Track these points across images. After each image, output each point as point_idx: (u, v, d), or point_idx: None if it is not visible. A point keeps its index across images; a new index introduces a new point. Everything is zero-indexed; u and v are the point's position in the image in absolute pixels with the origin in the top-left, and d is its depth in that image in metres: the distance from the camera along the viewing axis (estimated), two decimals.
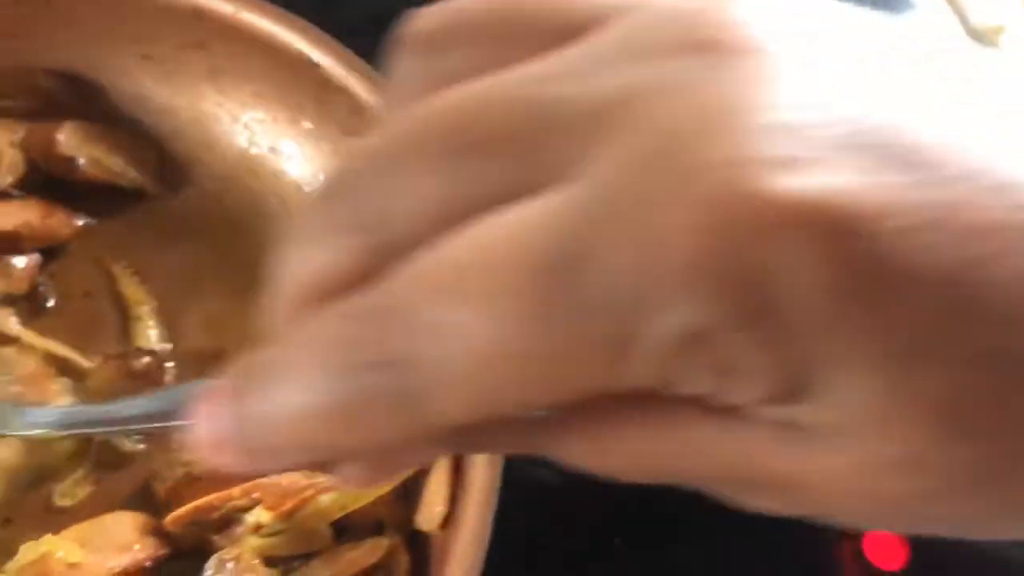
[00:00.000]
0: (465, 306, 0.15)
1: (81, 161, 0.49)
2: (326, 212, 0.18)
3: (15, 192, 0.49)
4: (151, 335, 0.47)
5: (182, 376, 0.46)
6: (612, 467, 0.18)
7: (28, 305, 0.47)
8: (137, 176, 0.50)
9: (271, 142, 0.51)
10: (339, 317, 0.17)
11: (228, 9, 0.48)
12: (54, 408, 0.33)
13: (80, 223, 0.50)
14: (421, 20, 0.19)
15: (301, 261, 0.18)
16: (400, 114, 0.18)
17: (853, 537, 0.44)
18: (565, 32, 0.17)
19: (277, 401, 0.17)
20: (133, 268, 0.49)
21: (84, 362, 0.46)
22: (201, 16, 0.48)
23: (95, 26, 0.50)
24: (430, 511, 0.39)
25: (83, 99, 0.52)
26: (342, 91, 0.46)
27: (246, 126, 0.51)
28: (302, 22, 0.47)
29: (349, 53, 0.46)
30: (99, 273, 0.49)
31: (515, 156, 0.16)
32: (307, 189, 0.50)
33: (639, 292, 0.14)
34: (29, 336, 0.46)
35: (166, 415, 0.27)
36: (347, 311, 0.17)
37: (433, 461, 0.38)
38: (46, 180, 0.50)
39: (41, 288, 0.48)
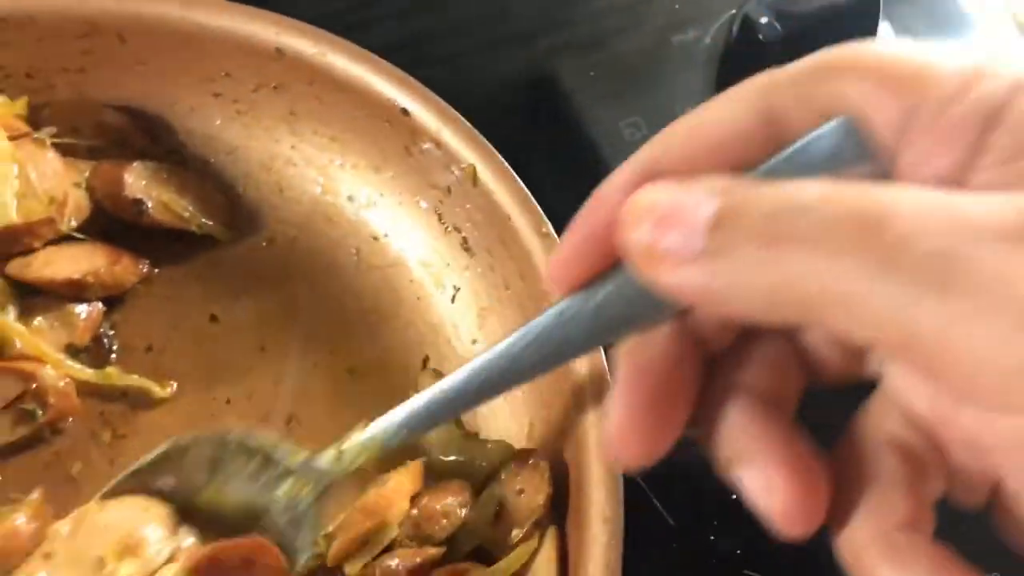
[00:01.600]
0: None
1: (148, 204, 0.47)
2: None
3: (79, 236, 0.46)
4: None
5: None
6: None
7: (89, 358, 0.45)
8: (205, 221, 0.48)
9: (349, 190, 0.48)
10: None
11: (312, 50, 0.45)
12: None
13: (145, 270, 0.47)
14: None
15: None
16: None
17: None
18: None
19: None
20: (205, 318, 0.46)
21: (161, 391, 0.44)
22: (282, 56, 0.46)
23: (167, 63, 0.47)
24: None
25: (150, 137, 0.49)
26: (433, 142, 0.44)
27: (322, 171, 0.48)
28: (395, 69, 0.44)
29: (442, 104, 0.44)
30: (164, 326, 0.46)
31: None
32: (385, 241, 0.48)
33: None
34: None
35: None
36: None
37: None
38: (113, 224, 0.47)
39: (104, 340, 0.46)
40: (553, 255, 0.29)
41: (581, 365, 0.38)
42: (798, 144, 0.25)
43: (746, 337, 0.28)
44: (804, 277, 0.21)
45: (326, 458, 0.36)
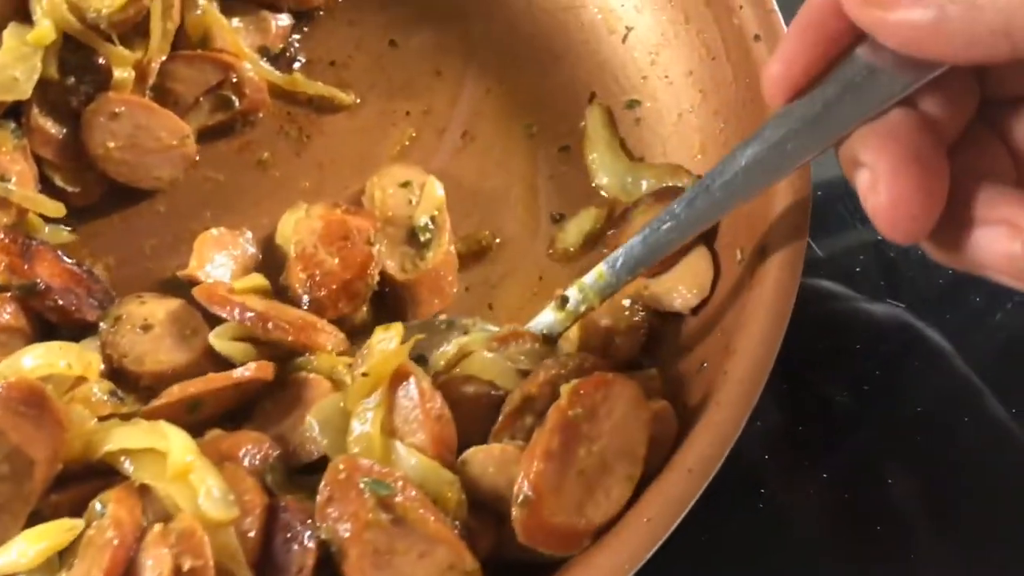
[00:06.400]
0: None
1: None
2: None
3: None
4: None
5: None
6: None
7: (276, 65, 0.48)
8: None
9: None
10: None
11: None
12: None
13: None
14: None
15: None
16: None
17: None
18: None
19: None
20: (385, 42, 0.49)
21: (346, 98, 0.47)
22: None
23: None
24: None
25: None
26: None
27: None
28: None
29: None
30: (346, 46, 0.49)
31: None
32: None
33: None
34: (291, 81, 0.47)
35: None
36: None
37: None
38: None
39: (290, 51, 0.48)
40: (768, 65, 0.29)
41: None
42: None
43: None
44: None
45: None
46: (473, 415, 0.35)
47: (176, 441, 0.33)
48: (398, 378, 0.34)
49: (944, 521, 0.43)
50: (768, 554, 0.43)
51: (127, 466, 0.33)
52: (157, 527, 0.31)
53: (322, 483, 0.32)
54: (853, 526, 0.43)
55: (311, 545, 0.31)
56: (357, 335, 0.40)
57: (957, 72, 0.28)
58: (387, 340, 0.36)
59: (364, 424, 0.34)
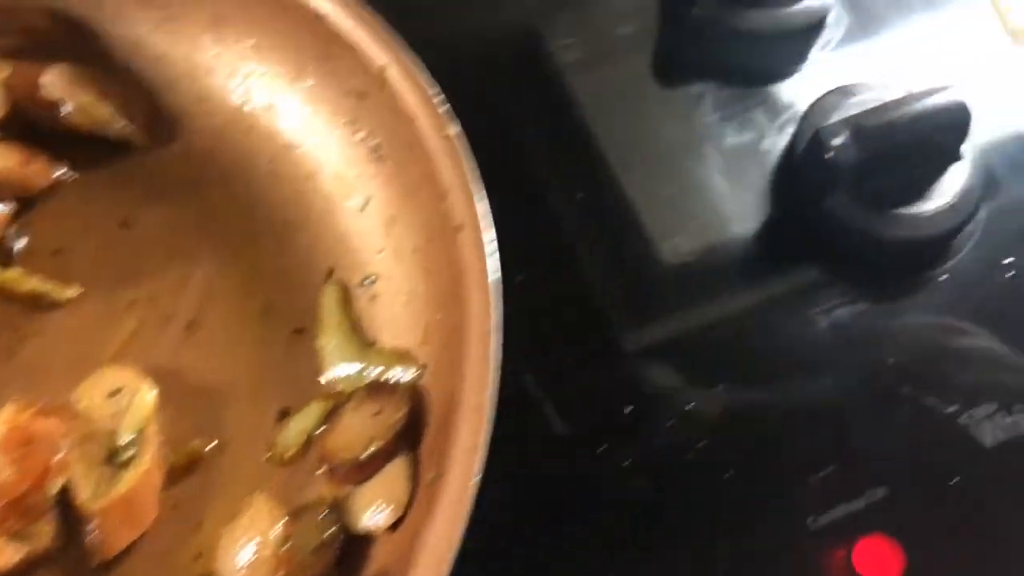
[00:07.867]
0: None
1: (67, 107, 0.46)
2: None
3: None
4: None
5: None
6: None
7: None
8: (125, 127, 0.47)
9: (268, 98, 0.47)
10: None
11: None
12: None
13: (60, 173, 0.47)
14: None
15: None
16: None
17: (844, 546, 0.41)
18: None
19: None
20: (115, 223, 0.46)
21: (64, 293, 0.44)
22: None
23: None
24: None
25: (76, 41, 0.48)
26: (348, 48, 0.43)
27: (244, 80, 0.48)
28: None
29: (358, 7, 0.43)
30: (74, 230, 0.46)
31: None
32: (299, 152, 0.47)
33: None
34: None
35: None
36: None
37: None
38: (29, 126, 0.47)
39: (8, 242, 0.45)
40: None
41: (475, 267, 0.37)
42: None
43: None
44: None
45: None
46: None
47: None
48: None
49: None
50: None
51: None
52: None
53: None
54: None
55: None
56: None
57: None
58: None
59: None
